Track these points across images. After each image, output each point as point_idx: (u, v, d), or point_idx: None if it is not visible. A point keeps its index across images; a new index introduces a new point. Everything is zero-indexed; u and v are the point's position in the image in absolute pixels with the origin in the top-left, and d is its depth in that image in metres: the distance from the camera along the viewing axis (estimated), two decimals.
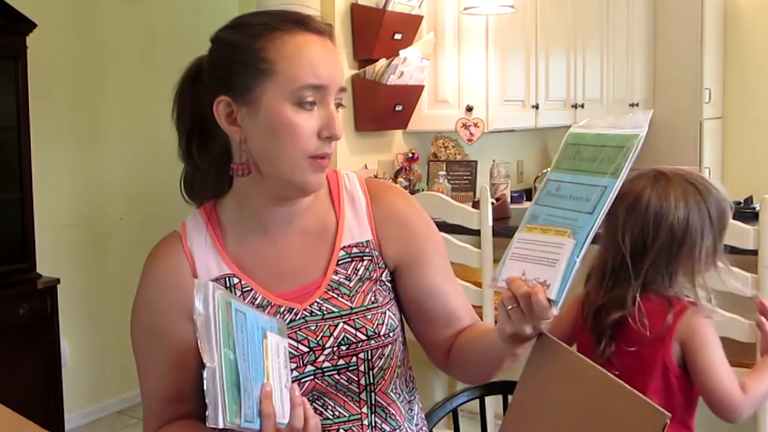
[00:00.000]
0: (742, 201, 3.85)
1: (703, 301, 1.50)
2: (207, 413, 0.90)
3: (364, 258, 1.20)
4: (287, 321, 1.15)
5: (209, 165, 1.20)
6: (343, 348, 1.15)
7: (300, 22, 1.12)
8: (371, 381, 1.18)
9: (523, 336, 1.02)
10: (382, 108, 3.15)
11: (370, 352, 1.17)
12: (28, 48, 3.08)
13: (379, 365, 1.18)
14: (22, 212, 3.13)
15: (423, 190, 3.21)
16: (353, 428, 1.17)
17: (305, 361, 1.14)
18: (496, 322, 1.07)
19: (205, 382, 0.91)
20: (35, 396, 3.10)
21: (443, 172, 3.29)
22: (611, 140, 0.98)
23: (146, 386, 1.19)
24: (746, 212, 3.46)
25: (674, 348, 1.49)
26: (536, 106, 3.64)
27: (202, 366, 0.92)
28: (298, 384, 1.11)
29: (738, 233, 2.22)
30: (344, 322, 1.16)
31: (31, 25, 3.06)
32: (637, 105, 4.73)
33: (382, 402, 1.19)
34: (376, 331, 1.17)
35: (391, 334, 1.19)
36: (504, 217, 3.16)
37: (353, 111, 3.15)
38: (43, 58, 3.30)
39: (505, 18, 3.29)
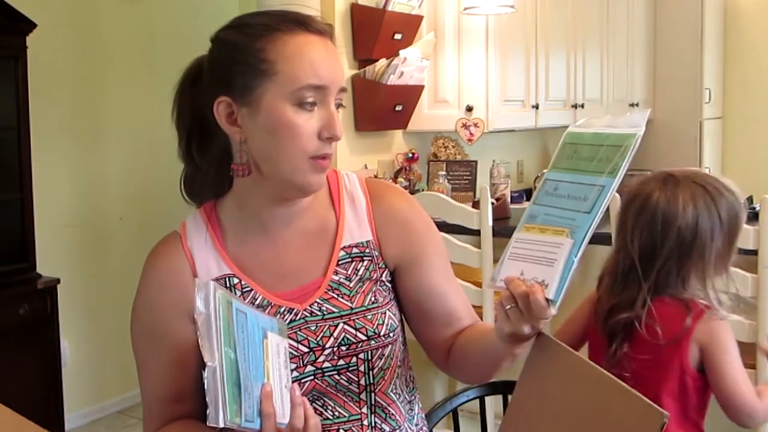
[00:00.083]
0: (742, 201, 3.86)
1: (715, 304, 1.50)
2: (207, 412, 0.90)
3: (364, 258, 1.20)
4: (287, 321, 1.15)
5: (209, 165, 1.20)
6: (343, 348, 1.15)
7: (300, 23, 1.11)
8: (371, 381, 1.18)
9: (522, 336, 1.02)
10: (382, 108, 3.15)
11: (370, 352, 1.17)
12: (28, 48, 3.08)
13: (379, 365, 1.18)
14: (22, 212, 3.13)
15: (423, 190, 3.21)
16: (353, 428, 1.17)
17: (305, 362, 1.14)
18: (495, 321, 1.07)
19: (205, 381, 0.91)
20: (35, 396, 3.10)
21: (443, 172, 3.29)
22: (609, 139, 0.98)
23: (146, 386, 1.19)
24: (746, 212, 3.46)
25: (692, 351, 1.49)
26: (536, 106, 3.64)
27: (203, 366, 0.92)
28: (298, 384, 1.11)
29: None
30: (344, 323, 1.16)
31: (31, 25, 3.06)
32: (637, 105, 4.73)
33: (382, 402, 1.19)
34: (376, 331, 1.17)
35: (391, 335, 1.19)
36: (504, 217, 3.16)
37: (353, 111, 3.15)
38: (43, 58, 3.30)
39: (505, 18, 3.29)
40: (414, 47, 3.16)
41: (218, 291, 0.95)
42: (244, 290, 1.17)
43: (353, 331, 1.16)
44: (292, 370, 1.11)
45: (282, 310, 1.16)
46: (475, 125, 3.28)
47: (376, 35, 3.07)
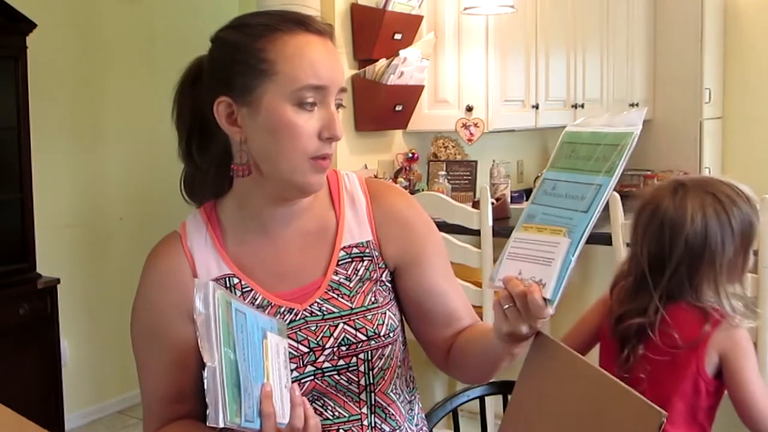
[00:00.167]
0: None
1: (729, 311, 1.49)
2: (207, 412, 0.90)
3: (364, 258, 1.20)
4: (287, 321, 1.15)
5: (209, 165, 1.20)
6: (343, 348, 1.15)
7: (300, 23, 1.11)
8: (371, 381, 1.18)
9: (520, 335, 1.02)
10: (382, 108, 3.15)
11: (370, 352, 1.17)
12: (28, 48, 3.08)
13: (379, 365, 1.18)
14: (22, 212, 3.13)
15: (423, 190, 3.21)
16: (353, 428, 1.17)
17: (305, 362, 1.14)
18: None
19: (205, 381, 0.91)
20: (35, 396, 3.10)
21: (443, 172, 3.29)
22: (606, 138, 0.99)
23: (146, 386, 1.19)
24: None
25: (710, 357, 1.48)
26: (536, 106, 3.64)
27: (202, 366, 0.92)
28: (298, 384, 1.11)
29: None
30: (344, 323, 1.16)
31: (31, 25, 3.06)
32: (637, 105, 4.73)
33: (382, 402, 1.19)
34: (376, 331, 1.17)
35: (391, 335, 1.19)
36: (504, 217, 3.16)
37: (353, 111, 3.15)
38: (43, 58, 3.30)
39: (505, 18, 3.29)
40: (414, 47, 3.16)
41: (217, 291, 0.95)
42: (244, 290, 1.17)
43: (353, 331, 1.16)
44: (292, 370, 1.11)
45: (282, 310, 1.16)
46: (475, 125, 3.28)
47: (376, 35, 3.07)
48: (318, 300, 1.17)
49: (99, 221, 3.76)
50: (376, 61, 3.08)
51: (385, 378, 1.19)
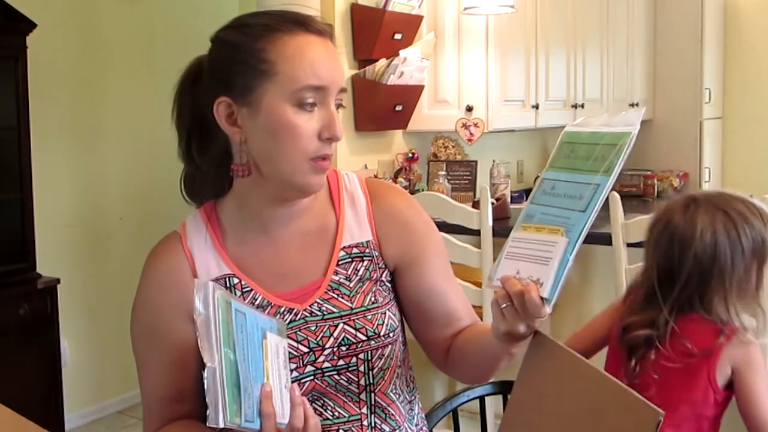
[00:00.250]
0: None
1: (739, 327, 1.49)
2: (207, 413, 0.90)
3: (364, 258, 1.20)
4: (287, 321, 1.15)
5: (209, 165, 1.20)
6: (343, 348, 1.15)
7: (300, 23, 1.11)
8: (371, 381, 1.18)
9: (518, 334, 1.02)
10: (382, 108, 3.15)
11: (370, 352, 1.17)
12: (28, 48, 3.08)
13: (379, 365, 1.18)
14: (22, 212, 3.13)
15: (423, 190, 3.21)
16: (353, 428, 1.17)
17: (305, 362, 1.14)
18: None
19: (205, 381, 0.91)
20: (35, 396, 3.10)
21: (443, 172, 3.29)
22: (604, 138, 0.99)
23: (146, 386, 1.19)
24: None
25: (723, 368, 1.48)
26: (536, 106, 3.64)
27: (202, 366, 0.92)
28: (298, 384, 1.11)
29: None
30: (344, 323, 1.16)
31: (31, 25, 3.06)
32: (637, 105, 4.73)
33: (382, 402, 1.19)
34: (376, 331, 1.17)
35: (391, 335, 1.19)
36: (504, 217, 3.16)
37: (353, 111, 3.15)
38: (43, 58, 3.30)
39: (505, 18, 3.29)
40: (414, 47, 3.16)
41: (217, 291, 0.95)
42: (244, 290, 1.17)
43: (353, 331, 1.16)
44: (291, 370, 1.11)
45: (282, 310, 1.16)
46: (475, 125, 3.28)
47: (376, 35, 3.07)
48: (318, 300, 1.17)
49: (99, 221, 3.76)
50: (376, 61, 3.08)
51: (385, 378, 1.19)
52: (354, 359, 1.16)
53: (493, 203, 2.72)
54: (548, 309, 0.96)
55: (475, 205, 2.85)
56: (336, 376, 1.16)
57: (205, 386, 0.91)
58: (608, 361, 1.65)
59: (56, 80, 3.51)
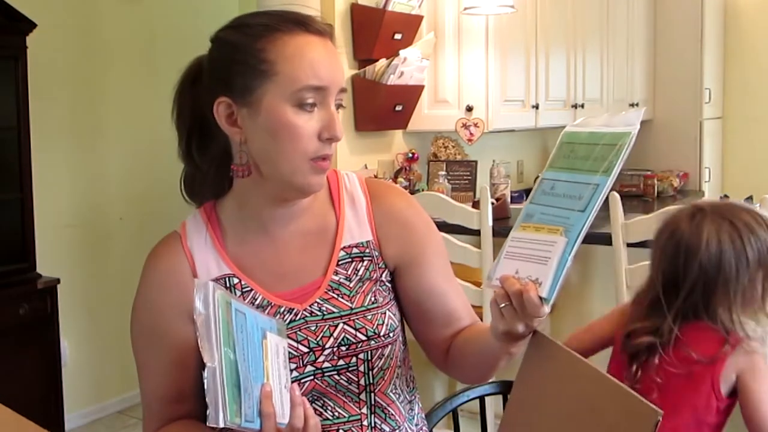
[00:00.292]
0: (742, 201, 3.86)
1: (743, 336, 1.49)
2: (208, 412, 0.90)
3: (364, 258, 1.20)
4: (287, 321, 1.15)
5: (209, 165, 1.20)
6: (343, 348, 1.15)
7: (300, 23, 1.11)
8: (371, 381, 1.18)
9: (516, 334, 1.02)
10: (382, 108, 3.15)
11: (370, 352, 1.17)
12: (28, 48, 3.08)
13: (379, 365, 1.18)
14: (22, 212, 3.13)
15: (423, 190, 3.21)
16: (353, 429, 1.17)
17: (305, 362, 1.14)
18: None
19: (205, 381, 0.91)
20: (35, 396, 3.10)
21: (443, 172, 3.29)
22: (604, 138, 0.99)
23: (146, 386, 1.19)
24: None
25: (727, 375, 1.48)
26: (536, 106, 3.64)
27: (202, 366, 0.92)
28: (298, 384, 1.11)
29: None
30: (344, 323, 1.16)
31: (31, 25, 3.06)
32: (637, 105, 4.73)
33: (382, 402, 1.19)
34: (376, 331, 1.17)
35: (391, 335, 1.19)
36: (504, 217, 3.16)
37: (353, 111, 3.15)
38: (43, 58, 3.30)
39: (505, 18, 3.29)
40: (414, 47, 3.16)
41: (217, 291, 0.95)
42: (244, 290, 1.17)
43: (353, 331, 1.16)
44: (291, 370, 1.11)
45: (282, 310, 1.16)
46: (475, 125, 3.28)
47: (376, 35, 3.07)
48: (318, 300, 1.17)
49: (99, 221, 3.76)
50: (376, 61, 3.08)
51: (385, 378, 1.19)
52: (354, 359, 1.16)
53: (493, 203, 2.72)
54: (547, 308, 0.96)
55: (475, 205, 2.85)
56: (336, 376, 1.16)
57: (205, 386, 0.91)
58: (610, 367, 1.65)
59: (56, 80, 3.51)
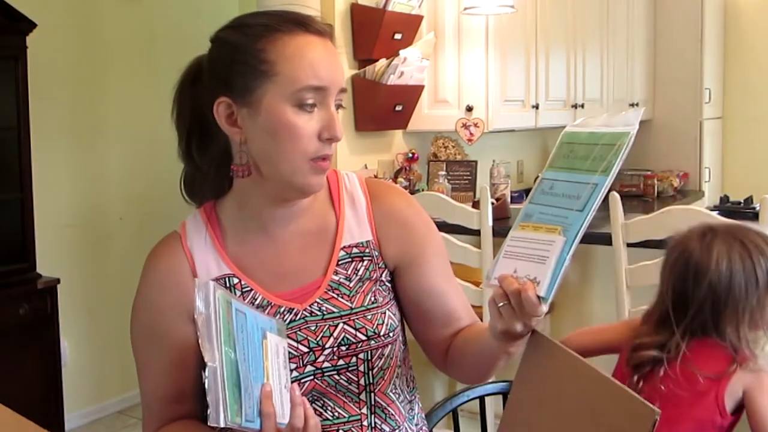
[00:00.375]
0: (742, 201, 3.87)
1: (749, 353, 1.50)
2: (208, 412, 0.90)
3: (364, 258, 1.20)
4: (287, 321, 1.15)
5: (209, 165, 1.20)
6: (343, 348, 1.15)
7: (300, 23, 1.11)
8: (371, 381, 1.18)
9: (515, 333, 1.02)
10: (382, 108, 3.15)
11: (369, 352, 1.17)
12: (28, 48, 3.08)
13: (379, 365, 1.18)
14: (22, 212, 3.13)
15: (423, 190, 3.21)
16: (353, 429, 1.17)
17: (305, 362, 1.14)
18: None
19: (206, 381, 0.91)
20: (35, 396, 3.10)
21: (443, 172, 3.29)
22: (603, 138, 0.99)
23: (146, 386, 1.19)
24: (746, 212, 3.47)
25: (733, 391, 1.49)
26: (536, 106, 3.64)
27: (203, 366, 0.92)
28: (298, 384, 1.11)
29: None
30: (344, 323, 1.16)
31: (31, 25, 3.06)
32: (637, 105, 4.74)
33: (382, 402, 1.19)
34: (376, 331, 1.17)
35: (391, 334, 1.19)
36: (504, 217, 3.16)
37: (353, 111, 3.15)
38: (43, 58, 3.30)
39: (505, 18, 3.29)
40: (414, 47, 3.16)
41: (218, 291, 0.95)
42: (243, 290, 1.17)
43: (353, 331, 1.16)
44: (291, 370, 1.11)
45: (282, 310, 1.16)
46: (475, 125, 3.28)
47: (376, 35, 3.07)
48: (318, 300, 1.17)
49: (99, 221, 3.77)
50: (376, 61, 3.08)
51: (385, 378, 1.19)
52: (354, 359, 1.16)
53: (493, 203, 2.72)
54: (545, 307, 0.96)
55: (475, 205, 2.85)
56: (336, 376, 1.16)
57: (206, 386, 0.91)
58: (617, 370, 1.65)
59: (56, 80, 3.51)
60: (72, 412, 3.47)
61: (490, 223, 2.63)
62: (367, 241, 1.21)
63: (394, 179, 3.26)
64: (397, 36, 3.13)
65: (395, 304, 1.24)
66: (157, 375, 1.18)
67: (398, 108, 3.22)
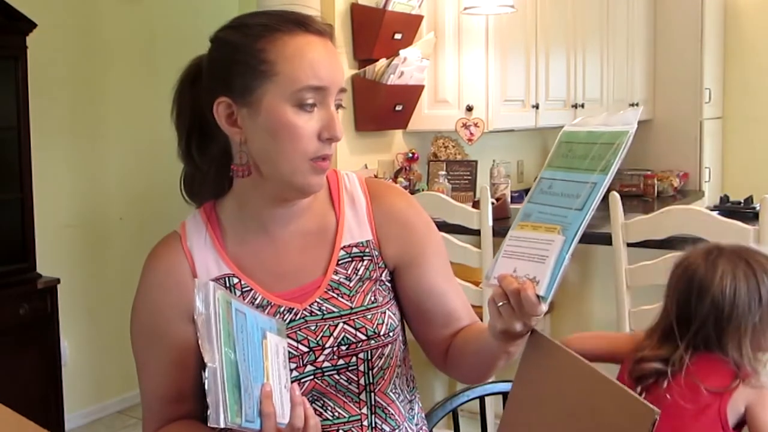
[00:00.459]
0: (742, 201, 3.87)
1: (751, 370, 1.50)
2: (208, 412, 0.90)
3: (364, 258, 1.20)
4: (287, 321, 1.15)
5: (209, 165, 1.20)
6: (343, 348, 1.15)
7: (300, 23, 1.11)
8: (371, 381, 1.18)
9: (514, 333, 1.02)
10: (382, 108, 3.15)
11: (369, 352, 1.17)
12: (28, 48, 3.09)
13: (379, 365, 1.18)
14: (22, 212, 3.13)
15: (423, 190, 3.21)
16: (353, 429, 1.17)
17: (305, 361, 1.14)
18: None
19: (206, 381, 0.91)
20: (35, 396, 3.10)
21: (443, 172, 3.29)
22: (602, 137, 0.99)
23: (146, 386, 1.19)
24: (746, 212, 3.47)
25: (735, 406, 1.49)
26: (536, 106, 3.64)
27: (202, 366, 0.92)
28: (298, 384, 1.11)
29: (738, 233, 2.23)
30: (344, 322, 1.16)
31: (31, 25, 3.06)
32: (637, 105, 4.73)
33: (382, 402, 1.19)
34: (376, 331, 1.17)
35: (390, 334, 1.19)
36: (504, 216, 3.16)
37: (353, 111, 3.15)
38: (43, 58, 3.30)
39: (505, 18, 3.29)
40: (414, 47, 3.16)
41: (218, 291, 0.95)
42: (243, 290, 1.17)
43: (353, 330, 1.16)
44: (291, 370, 1.11)
45: (282, 309, 1.16)
46: (475, 125, 3.28)
47: (376, 35, 3.07)
48: (318, 300, 1.17)
49: (99, 221, 3.77)
50: (376, 61, 3.08)
51: (385, 378, 1.19)
52: (354, 359, 1.16)
53: (493, 203, 2.72)
54: (544, 307, 0.96)
55: (475, 205, 2.85)
56: (336, 376, 1.16)
57: (206, 386, 0.91)
58: (620, 376, 1.66)
59: (56, 80, 3.51)
60: (72, 412, 3.47)
61: (490, 223, 2.64)
62: (367, 241, 1.21)
63: (394, 179, 3.26)
64: (397, 36, 3.13)
65: (395, 304, 1.24)
66: (157, 375, 1.18)
67: (398, 108, 3.22)
